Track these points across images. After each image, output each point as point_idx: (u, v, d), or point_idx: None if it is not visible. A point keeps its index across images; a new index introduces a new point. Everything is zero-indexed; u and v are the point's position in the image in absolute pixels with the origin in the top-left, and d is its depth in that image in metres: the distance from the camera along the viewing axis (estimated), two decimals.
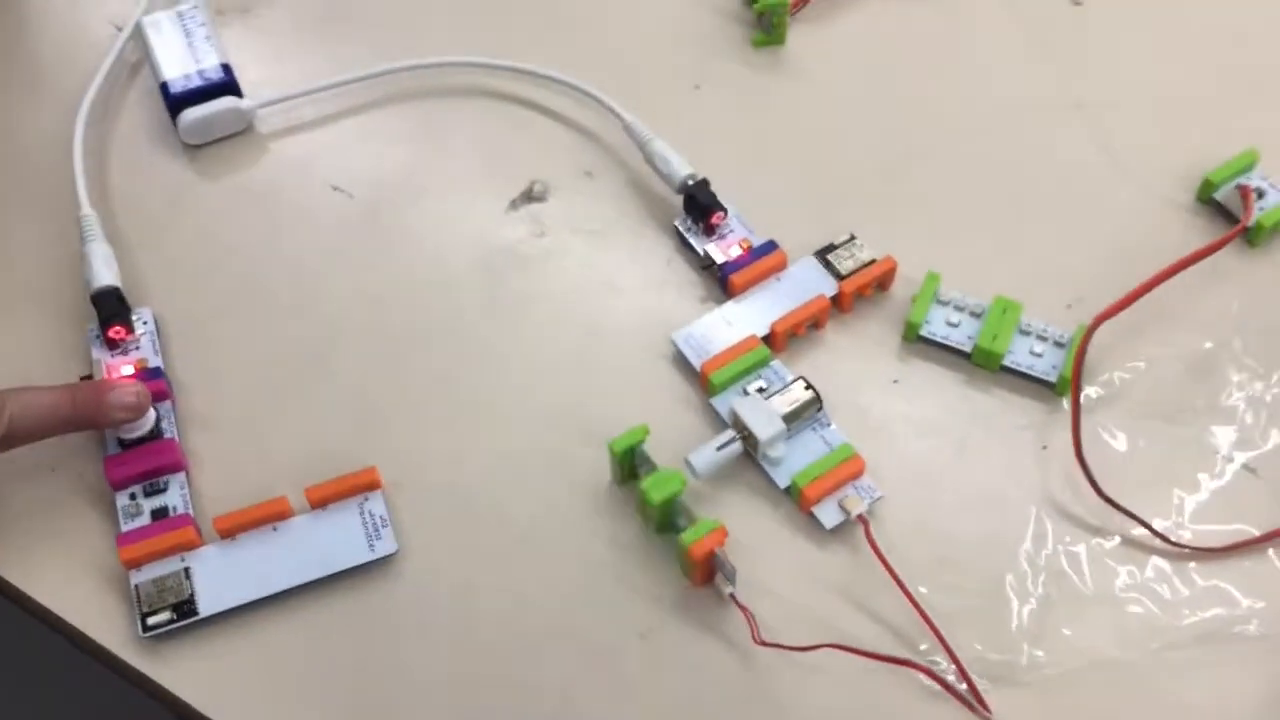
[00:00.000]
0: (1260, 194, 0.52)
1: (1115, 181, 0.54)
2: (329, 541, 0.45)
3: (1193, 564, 0.44)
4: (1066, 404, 0.47)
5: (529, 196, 0.55)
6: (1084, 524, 0.45)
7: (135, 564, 0.44)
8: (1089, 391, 0.48)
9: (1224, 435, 0.47)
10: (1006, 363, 0.48)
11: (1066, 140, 0.56)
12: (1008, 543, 0.45)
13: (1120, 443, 0.47)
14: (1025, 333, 0.49)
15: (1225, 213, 0.53)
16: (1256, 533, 0.44)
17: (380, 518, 0.45)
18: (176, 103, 0.55)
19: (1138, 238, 0.52)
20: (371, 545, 0.45)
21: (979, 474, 0.46)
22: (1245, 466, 0.46)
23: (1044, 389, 0.48)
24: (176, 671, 0.43)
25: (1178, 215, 0.53)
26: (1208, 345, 0.49)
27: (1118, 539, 0.45)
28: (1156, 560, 0.44)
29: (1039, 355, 0.48)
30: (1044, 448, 0.47)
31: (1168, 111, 0.57)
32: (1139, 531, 0.44)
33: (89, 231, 0.52)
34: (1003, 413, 0.48)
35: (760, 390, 0.47)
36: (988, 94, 0.58)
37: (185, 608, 0.43)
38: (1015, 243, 0.53)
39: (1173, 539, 0.44)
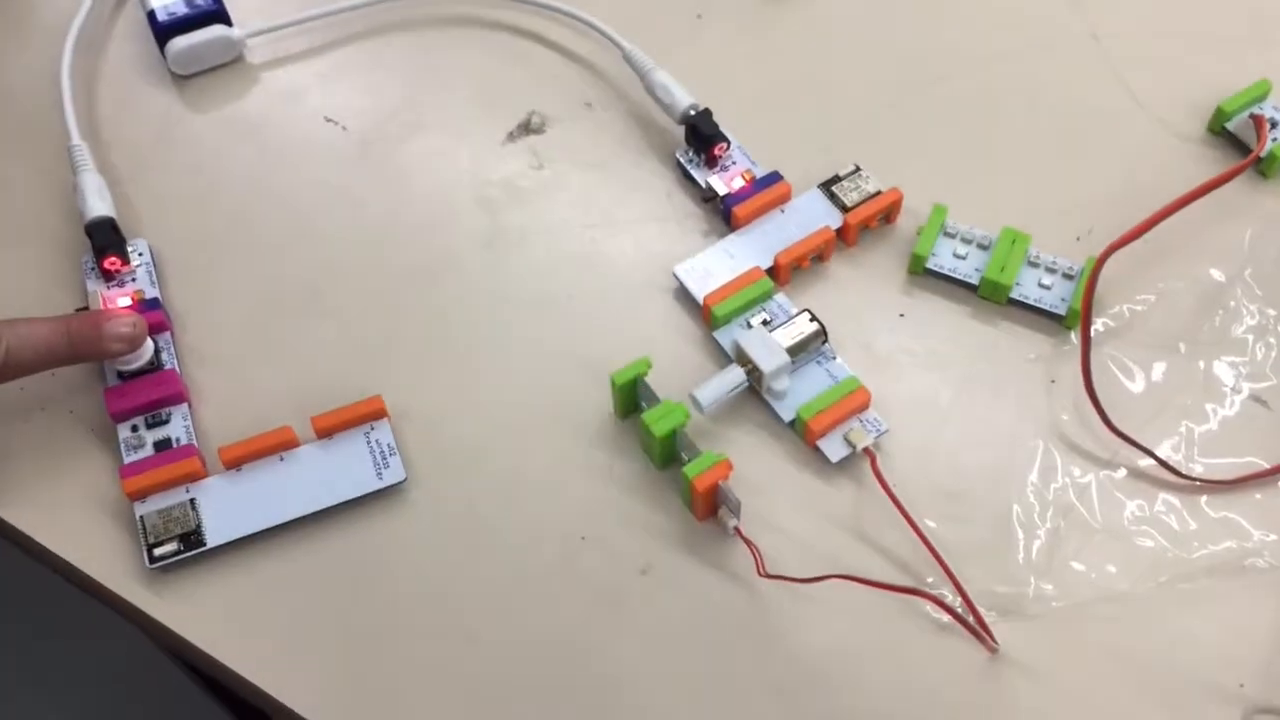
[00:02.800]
0: (1274, 124, 0.51)
1: (1127, 112, 0.53)
2: (336, 470, 0.44)
3: (1203, 497, 0.43)
4: (1075, 337, 0.47)
5: (527, 128, 0.53)
6: (1093, 457, 0.44)
7: (139, 495, 0.43)
8: (1098, 324, 0.47)
9: (1235, 367, 0.46)
10: (1014, 295, 0.47)
11: (1078, 70, 0.55)
12: (1015, 476, 0.44)
13: (1130, 375, 0.46)
14: (1034, 265, 0.48)
15: (1238, 143, 0.52)
16: (1267, 465, 0.44)
17: (388, 446, 0.44)
18: (164, 31, 0.54)
19: (1149, 169, 0.51)
20: (379, 474, 0.44)
21: (986, 407, 0.46)
22: (1255, 398, 0.45)
23: (1052, 322, 0.47)
24: (184, 605, 0.42)
25: (1189, 146, 0.52)
26: (1219, 277, 0.48)
27: (1127, 472, 0.44)
28: (1166, 493, 0.43)
29: (1047, 288, 0.47)
30: (1052, 381, 0.46)
31: (1180, 42, 0.55)
32: (1148, 464, 0.44)
33: (80, 162, 0.51)
34: (1011, 346, 0.47)
35: (764, 323, 0.46)
36: (999, 23, 0.56)
37: (192, 538, 0.43)
38: (1024, 174, 0.52)
39: (1182, 471, 0.43)
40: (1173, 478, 0.44)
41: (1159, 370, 0.46)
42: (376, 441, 0.45)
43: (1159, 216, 0.45)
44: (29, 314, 0.45)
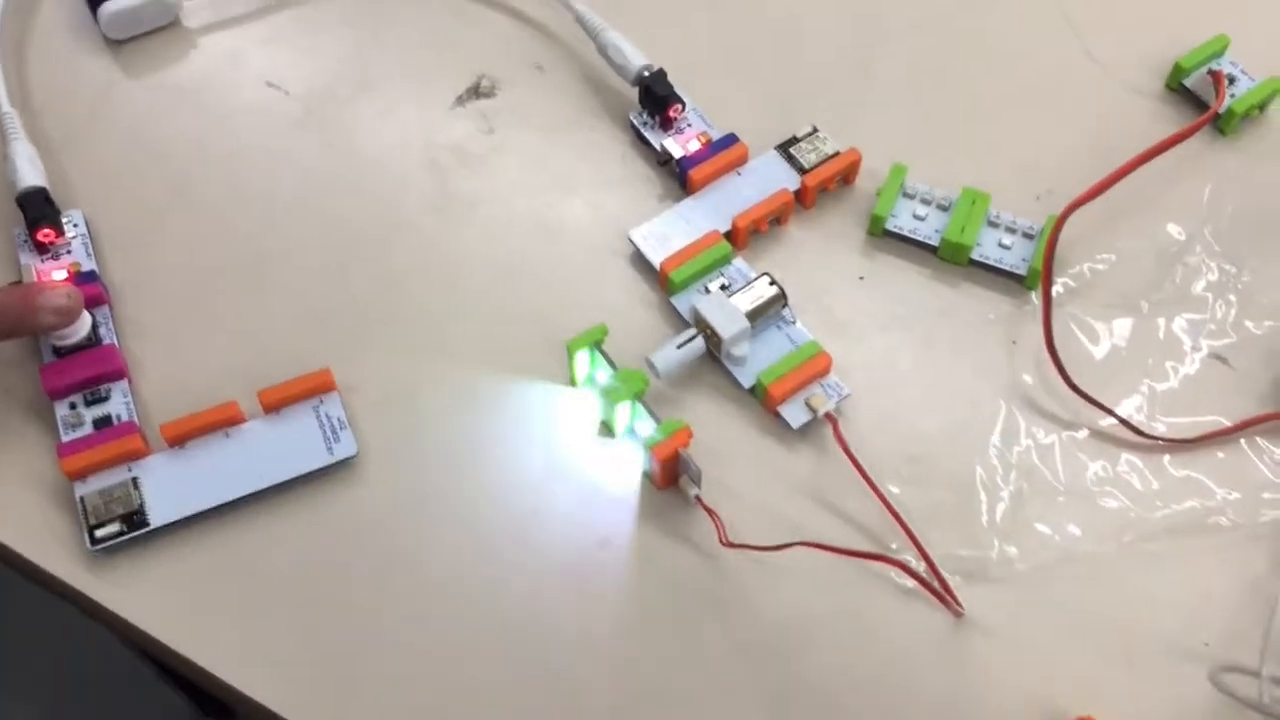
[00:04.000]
0: (1231, 80, 0.50)
1: (1085, 70, 0.53)
2: (285, 446, 0.43)
3: (1165, 456, 0.43)
4: (1036, 297, 0.46)
5: (476, 92, 0.52)
6: (1055, 418, 0.44)
7: (79, 475, 0.42)
8: (1059, 284, 0.47)
9: (1195, 325, 0.46)
10: (975, 256, 0.47)
11: (1035, 29, 0.54)
12: (978, 439, 0.44)
13: (1091, 335, 0.46)
14: (994, 225, 0.47)
15: (1196, 100, 0.51)
16: (1229, 423, 0.43)
17: (338, 419, 0.43)
18: None
19: (1108, 126, 0.51)
20: (330, 448, 0.43)
21: (947, 370, 0.45)
22: (1216, 356, 0.45)
23: (1013, 282, 0.47)
24: (128, 588, 0.41)
25: (1148, 103, 0.52)
26: (1178, 234, 0.48)
27: (1089, 432, 0.44)
28: (1128, 453, 0.43)
29: (1008, 248, 0.47)
30: (1014, 342, 0.46)
31: (1142, 12, 0.55)
32: (1111, 424, 0.44)
33: (10, 130, 0.49)
34: (971, 307, 0.47)
35: (723, 288, 0.45)
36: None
37: (135, 519, 0.41)
38: (983, 134, 0.51)
39: (1145, 431, 0.43)
40: (1135, 437, 0.43)
41: (1120, 329, 0.46)
42: (326, 415, 0.43)
43: (1118, 175, 0.44)
44: None
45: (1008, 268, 0.46)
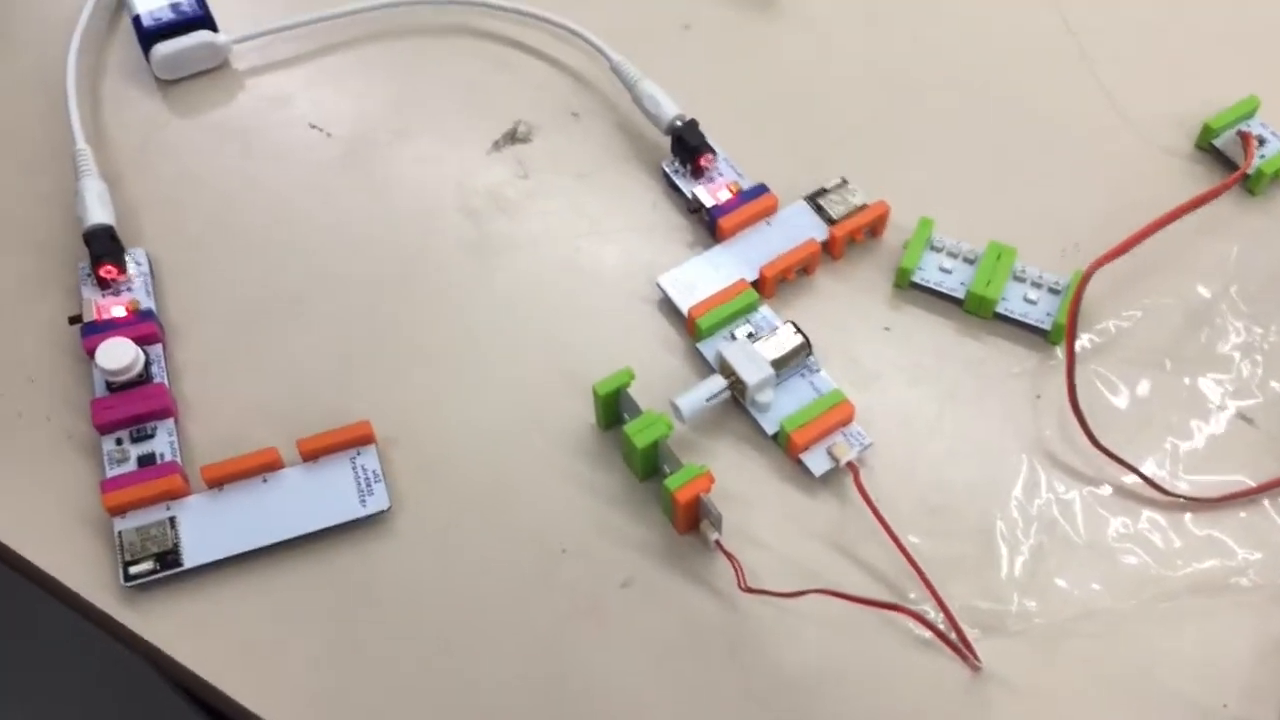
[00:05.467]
0: (1261, 141, 0.51)
1: (1115, 127, 0.53)
2: (320, 496, 0.43)
3: (1187, 514, 0.43)
4: (1061, 352, 0.46)
5: (513, 138, 0.53)
6: (1077, 473, 0.44)
7: (119, 511, 0.43)
8: (1084, 339, 0.47)
9: (1221, 384, 0.46)
10: (1000, 310, 0.47)
11: (1066, 86, 0.55)
12: (999, 491, 0.44)
13: (1115, 391, 0.46)
14: (1020, 279, 0.47)
15: (1225, 160, 0.52)
16: (1252, 483, 0.43)
17: (373, 473, 0.44)
18: (149, 37, 0.53)
19: (1136, 184, 0.51)
20: (363, 500, 0.43)
21: (971, 422, 0.45)
22: (1241, 416, 0.45)
23: (1038, 337, 0.47)
24: (157, 623, 0.42)
25: (1177, 162, 0.52)
26: (1205, 293, 0.48)
27: (1111, 488, 0.44)
28: (1150, 510, 0.43)
29: (1033, 302, 0.47)
30: (1038, 396, 0.46)
31: (1169, 58, 0.55)
32: (1133, 481, 0.44)
33: (83, 167, 0.50)
34: (996, 360, 0.47)
35: (749, 335, 0.46)
36: (987, 37, 0.56)
37: (169, 558, 0.42)
38: (1011, 189, 0.51)
39: (1167, 489, 0.43)
40: (1157, 495, 0.43)
41: (1145, 386, 0.46)
42: (362, 467, 0.44)
43: (1145, 232, 0.45)
44: (22, 317, 0.46)
45: (1033, 322, 0.47)
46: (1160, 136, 0.53)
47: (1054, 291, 0.47)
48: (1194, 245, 0.49)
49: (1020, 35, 0.57)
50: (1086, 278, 0.44)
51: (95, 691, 0.86)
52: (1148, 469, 0.44)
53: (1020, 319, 0.47)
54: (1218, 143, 0.51)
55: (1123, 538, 0.43)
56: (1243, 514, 0.43)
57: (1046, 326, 0.47)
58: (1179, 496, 0.43)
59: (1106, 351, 0.47)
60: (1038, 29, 0.57)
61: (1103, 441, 0.44)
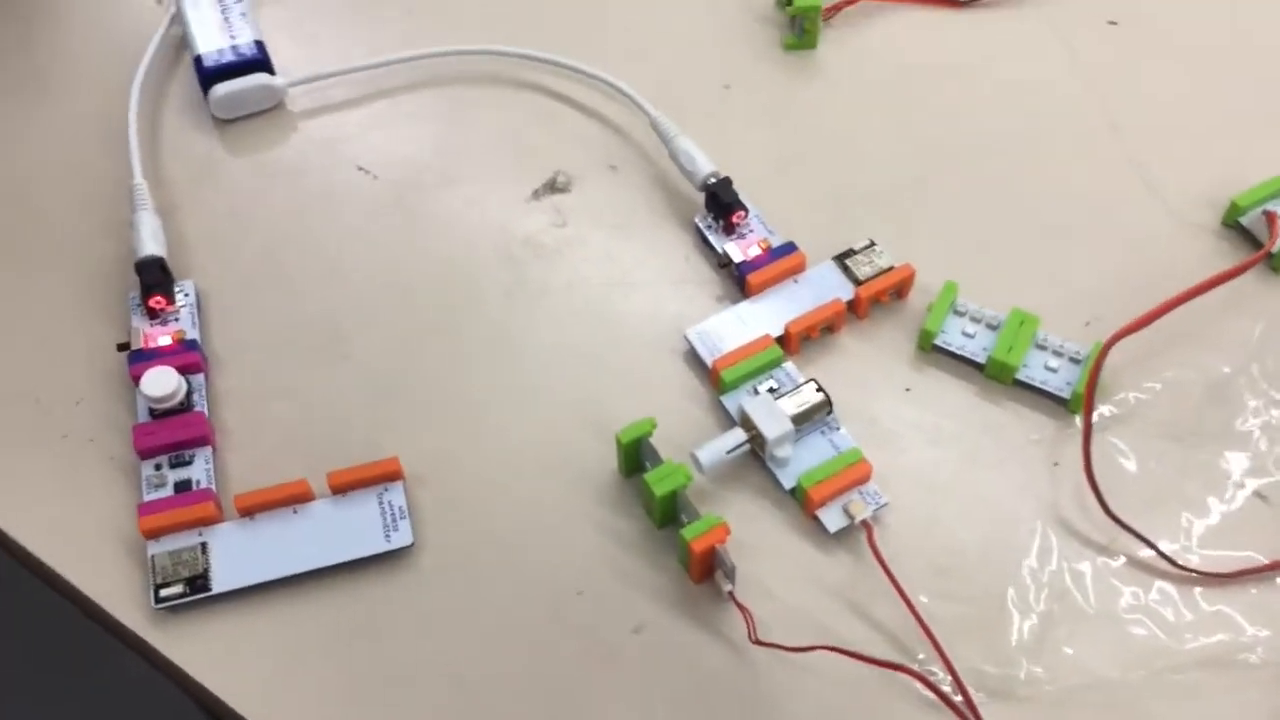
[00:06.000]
0: None
1: (1141, 201, 0.54)
2: (346, 529, 0.45)
3: (1198, 588, 0.43)
4: (1079, 421, 0.47)
5: (552, 187, 0.55)
6: (1090, 542, 0.45)
7: (154, 535, 0.44)
8: (1103, 410, 0.48)
9: (1237, 461, 0.46)
10: (1020, 376, 0.48)
11: (1097, 158, 0.56)
12: (1012, 557, 0.44)
13: (1132, 463, 0.46)
14: (1041, 347, 0.48)
15: (1251, 238, 0.52)
16: (1265, 560, 0.44)
17: (399, 509, 0.45)
18: (208, 77, 0.56)
19: (1161, 259, 0.52)
20: (388, 536, 0.44)
21: (987, 486, 0.46)
22: (1257, 494, 0.46)
23: (1057, 405, 0.48)
24: (184, 645, 0.43)
25: (1203, 238, 0.53)
26: (1226, 370, 0.49)
27: (1124, 559, 0.44)
28: (1162, 582, 0.44)
29: (1054, 370, 0.48)
30: (1055, 464, 0.46)
31: (1198, 134, 0.56)
32: (1145, 553, 0.44)
33: (140, 201, 0.52)
34: (1015, 426, 0.48)
35: (771, 390, 0.47)
36: (1021, 107, 0.57)
37: (198, 582, 0.43)
38: (1036, 257, 0.52)
39: (1180, 562, 0.43)
40: (1169, 567, 0.44)
41: (1161, 459, 0.46)
42: (389, 503, 0.45)
43: (1167, 306, 0.45)
44: (72, 343, 0.48)
45: (1052, 390, 0.47)
46: (1188, 212, 0.53)
47: (1075, 361, 0.48)
48: (1217, 321, 0.49)
49: (1053, 106, 0.57)
50: (1106, 349, 0.45)
51: (122, 710, 0.88)
52: (1161, 541, 0.44)
53: (1040, 386, 0.48)
54: (1244, 221, 0.52)
55: (1133, 609, 0.43)
56: (1254, 590, 0.43)
57: (1066, 395, 0.47)
58: (1191, 570, 0.43)
59: (1125, 422, 0.47)
60: (1071, 100, 0.58)
61: (1117, 512, 0.44)
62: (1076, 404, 0.47)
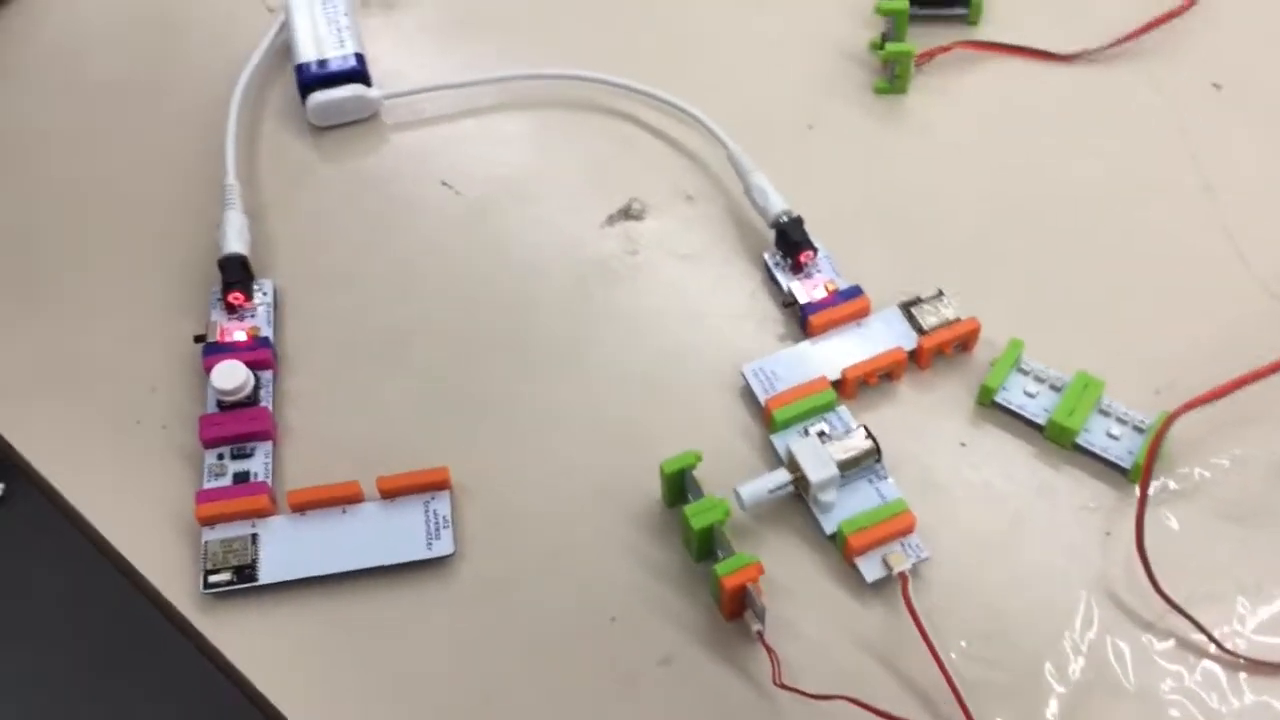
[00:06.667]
0: None
1: (1229, 271, 0.52)
2: (391, 533, 0.46)
3: (1244, 675, 0.42)
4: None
5: (627, 214, 0.55)
6: (1137, 618, 0.43)
7: (209, 522, 0.46)
8: (1167, 483, 0.46)
9: None
10: (1080, 441, 0.47)
11: (1184, 223, 0.54)
12: (1053, 624, 0.43)
13: (1191, 540, 0.45)
14: (1105, 413, 0.47)
15: None
16: None
17: (444, 518, 0.46)
18: (307, 85, 0.58)
19: (1243, 332, 0.50)
20: (430, 544, 0.45)
21: (1035, 550, 0.45)
22: None
23: (1118, 474, 0.46)
24: (227, 631, 0.44)
25: None
26: None
27: (1170, 639, 0.43)
28: (1207, 664, 0.42)
29: (1116, 438, 0.46)
30: (1107, 534, 0.45)
31: None
32: (1193, 634, 0.43)
33: (230, 200, 0.54)
34: (1070, 491, 0.46)
35: (821, 434, 0.47)
36: (1112, 164, 0.56)
37: (246, 571, 0.45)
38: (1112, 319, 0.51)
39: (1228, 646, 0.42)
40: (1216, 650, 0.42)
41: (1221, 539, 0.45)
42: (434, 512, 0.46)
43: (1241, 382, 0.44)
44: (152, 331, 0.51)
45: (1113, 458, 0.46)
46: (1276, 285, 0.51)
47: (1139, 429, 0.47)
48: None
49: (1147, 165, 0.56)
50: (1171, 419, 0.44)
51: (166, 688, 0.91)
52: (1210, 621, 0.42)
53: (1100, 453, 0.46)
54: None
55: (1174, 690, 0.42)
56: None
57: (1126, 465, 0.46)
58: (1238, 656, 0.42)
59: (1187, 498, 0.46)
60: (1167, 161, 0.56)
61: (1169, 590, 0.43)
62: (1137, 474, 0.46)
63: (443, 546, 0.45)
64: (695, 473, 0.45)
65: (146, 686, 0.97)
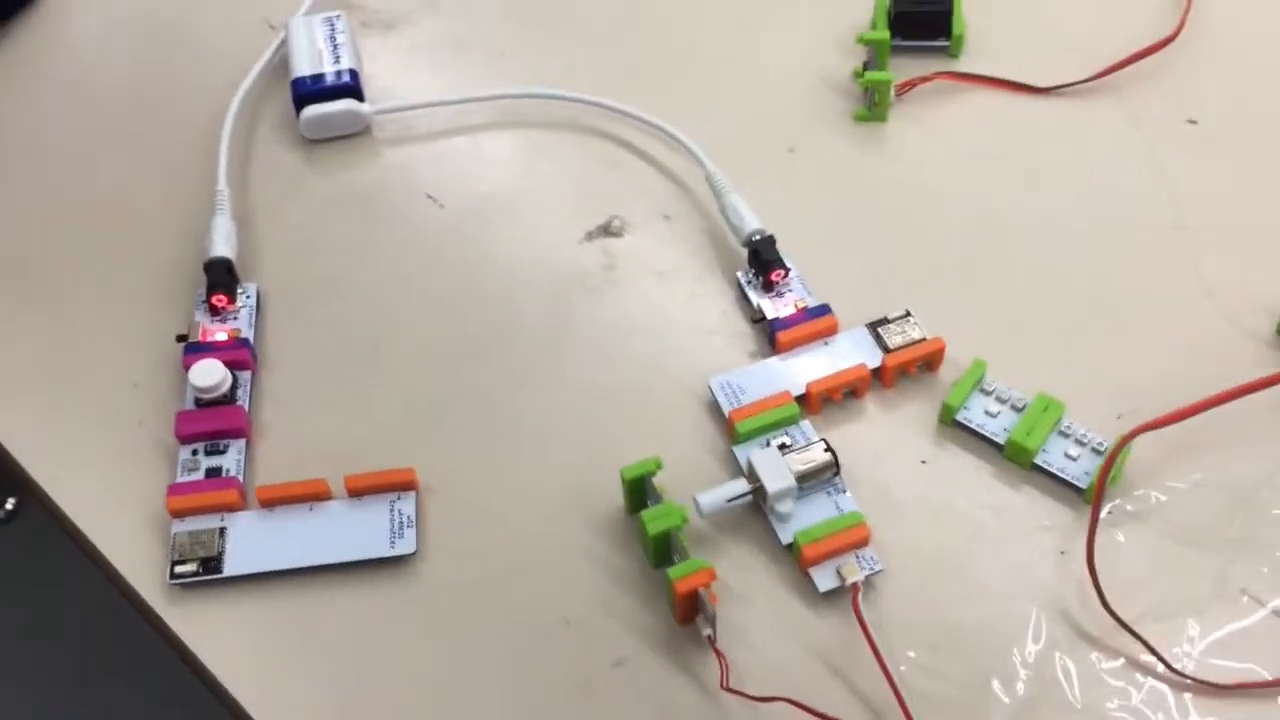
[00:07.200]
0: None
1: (1195, 301, 0.53)
2: (355, 531, 0.47)
3: (1189, 695, 0.42)
4: None
5: (606, 231, 0.57)
6: (1086, 636, 0.44)
7: (179, 515, 0.47)
8: (1124, 504, 0.47)
9: (1253, 573, 0.45)
10: (1039, 461, 0.47)
11: (1154, 253, 0.55)
12: (1004, 641, 0.44)
13: (1143, 561, 0.45)
14: (1064, 434, 0.48)
15: None
16: (1268, 676, 0.42)
17: (408, 517, 0.47)
18: (301, 98, 0.59)
19: (1207, 361, 0.50)
20: (393, 542, 0.46)
21: (989, 567, 0.46)
22: (1270, 609, 0.44)
23: (1074, 494, 0.47)
24: (191, 621, 0.45)
25: (1254, 346, 0.51)
26: (1255, 479, 0.47)
27: (1119, 658, 0.43)
28: (1155, 684, 0.42)
29: (1074, 459, 0.47)
30: (1062, 553, 0.46)
31: (1267, 240, 0.55)
32: (1142, 654, 0.43)
33: (219, 205, 0.56)
34: (1027, 510, 0.47)
35: (782, 446, 0.48)
36: (1085, 196, 0.57)
37: (211, 564, 0.46)
38: (1078, 345, 0.52)
39: (1175, 666, 0.42)
40: (1164, 670, 0.42)
41: (1175, 561, 0.45)
42: (399, 511, 0.47)
43: (1200, 406, 0.45)
44: (137, 328, 0.52)
45: (1069, 478, 0.47)
46: (1241, 317, 0.52)
47: (1097, 451, 0.47)
48: (1254, 429, 0.48)
49: (1120, 197, 0.57)
50: (1126, 439, 0.44)
51: (133, 678, 0.93)
52: (1159, 642, 0.43)
53: (1057, 473, 0.47)
54: None
55: (1121, 708, 0.42)
56: (1249, 705, 0.42)
57: (1083, 485, 0.46)
58: (1186, 676, 0.42)
59: (1142, 520, 0.46)
60: (1140, 195, 0.57)
61: (1121, 609, 0.43)
62: (1092, 494, 0.46)
63: (405, 545, 0.46)
64: (657, 480, 0.46)
65: (119, 679, 0.98)
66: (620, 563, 0.46)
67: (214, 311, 0.53)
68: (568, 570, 0.46)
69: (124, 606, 0.48)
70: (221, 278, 0.53)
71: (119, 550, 0.47)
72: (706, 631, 0.43)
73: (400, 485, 0.47)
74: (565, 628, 0.45)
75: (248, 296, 0.54)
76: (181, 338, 0.52)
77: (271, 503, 0.47)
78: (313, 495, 0.47)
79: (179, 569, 0.46)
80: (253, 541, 0.46)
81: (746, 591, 0.45)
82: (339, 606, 0.45)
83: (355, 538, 0.46)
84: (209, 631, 0.45)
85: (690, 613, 0.44)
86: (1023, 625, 0.44)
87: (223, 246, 0.54)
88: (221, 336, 0.52)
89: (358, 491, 0.47)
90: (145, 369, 0.52)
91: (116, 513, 0.48)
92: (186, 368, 0.50)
